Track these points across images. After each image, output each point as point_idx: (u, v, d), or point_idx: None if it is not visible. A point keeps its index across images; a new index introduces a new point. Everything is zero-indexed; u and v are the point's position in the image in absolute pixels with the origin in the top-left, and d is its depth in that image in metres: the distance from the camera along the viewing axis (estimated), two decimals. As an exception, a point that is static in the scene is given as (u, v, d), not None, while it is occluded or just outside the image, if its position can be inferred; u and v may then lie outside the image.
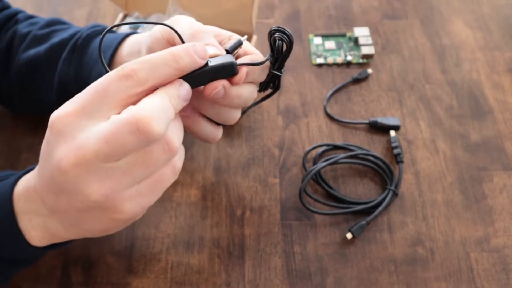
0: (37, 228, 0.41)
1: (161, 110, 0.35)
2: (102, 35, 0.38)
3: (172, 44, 0.43)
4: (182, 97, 0.37)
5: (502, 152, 0.59)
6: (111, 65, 0.50)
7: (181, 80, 0.38)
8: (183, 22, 0.43)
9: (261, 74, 0.44)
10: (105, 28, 0.53)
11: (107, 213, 0.37)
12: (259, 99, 0.47)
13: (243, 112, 0.46)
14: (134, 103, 0.36)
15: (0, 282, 0.45)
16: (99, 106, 0.35)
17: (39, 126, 0.61)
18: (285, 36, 0.41)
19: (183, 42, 0.40)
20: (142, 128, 0.33)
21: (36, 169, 0.40)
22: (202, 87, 0.40)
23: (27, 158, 0.59)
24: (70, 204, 0.37)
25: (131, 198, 0.36)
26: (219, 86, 0.40)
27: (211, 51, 0.40)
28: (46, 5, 0.74)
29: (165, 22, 0.43)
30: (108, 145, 0.34)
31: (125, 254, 0.52)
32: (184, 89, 0.37)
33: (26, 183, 0.41)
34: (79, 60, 0.51)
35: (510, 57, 0.67)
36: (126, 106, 0.36)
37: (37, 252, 0.43)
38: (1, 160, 0.59)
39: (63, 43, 0.53)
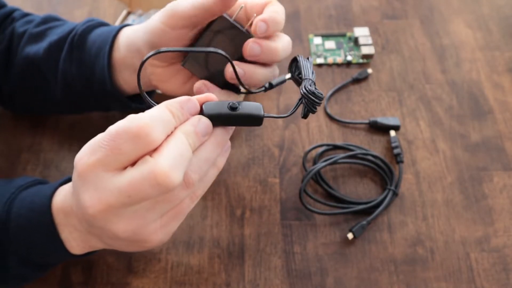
0: (77, 239, 0.43)
1: (178, 157, 0.36)
2: (138, 69, 0.39)
3: (176, 27, 0.45)
4: (200, 133, 0.38)
5: (502, 152, 0.59)
6: (110, 62, 0.50)
7: (200, 116, 0.38)
8: None
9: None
10: (100, 22, 0.54)
11: (136, 243, 0.39)
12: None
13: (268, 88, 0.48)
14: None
15: (20, 284, 0.46)
16: (115, 160, 0.36)
17: (39, 126, 0.61)
18: (313, 103, 0.41)
19: (229, 59, 0.41)
20: (161, 181, 0.35)
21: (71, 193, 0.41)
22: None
23: (27, 158, 0.59)
24: (102, 234, 0.39)
25: (156, 230, 0.39)
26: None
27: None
28: (46, 5, 0.74)
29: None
30: (131, 198, 0.36)
31: (125, 254, 0.52)
32: (203, 124, 0.38)
33: (63, 198, 0.42)
34: (79, 58, 0.52)
35: (510, 57, 0.67)
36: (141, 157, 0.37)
37: (74, 258, 0.45)
38: (1, 160, 0.59)
39: (60, 42, 0.53)
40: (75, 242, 0.43)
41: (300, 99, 0.42)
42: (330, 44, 0.69)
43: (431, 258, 0.52)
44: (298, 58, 0.45)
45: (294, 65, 0.46)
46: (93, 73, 0.51)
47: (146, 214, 0.37)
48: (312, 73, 0.43)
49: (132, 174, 0.35)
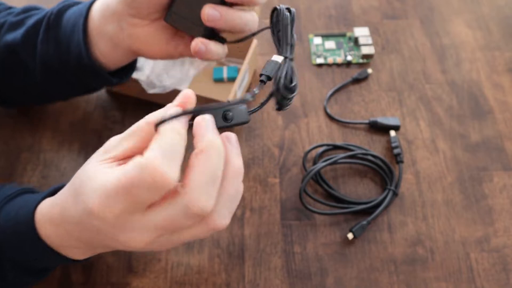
0: (76, 252, 0.42)
1: (206, 186, 0.35)
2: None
3: None
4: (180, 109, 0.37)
5: (502, 152, 0.59)
6: (85, 34, 0.49)
7: (171, 104, 0.38)
8: None
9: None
10: (76, 2, 0.53)
11: (148, 252, 0.39)
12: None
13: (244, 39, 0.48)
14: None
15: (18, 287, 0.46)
16: (140, 205, 0.35)
17: (39, 126, 0.61)
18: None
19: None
20: (197, 211, 0.35)
21: (65, 214, 0.39)
22: None
23: (27, 158, 0.59)
24: (114, 247, 0.39)
25: (172, 246, 0.39)
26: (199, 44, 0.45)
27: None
28: (45, 5, 0.74)
29: None
30: (166, 229, 0.36)
31: (125, 254, 0.52)
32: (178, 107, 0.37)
33: (51, 220, 0.41)
34: (55, 37, 0.51)
35: (510, 57, 0.67)
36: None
37: (76, 262, 0.44)
38: (1, 160, 0.59)
39: (37, 25, 0.52)
40: (75, 255, 0.42)
41: (271, 94, 0.40)
42: (330, 44, 0.68)
43: (431, 258, 0.52)
44: (278, 8, 0.42)
45: (274, 16, 0.44)
46: (69, 49, 0.50)
47: (173, 239, 0.38)
48: (292, 37, 0.41)
49: (167, 210, 0.35)
